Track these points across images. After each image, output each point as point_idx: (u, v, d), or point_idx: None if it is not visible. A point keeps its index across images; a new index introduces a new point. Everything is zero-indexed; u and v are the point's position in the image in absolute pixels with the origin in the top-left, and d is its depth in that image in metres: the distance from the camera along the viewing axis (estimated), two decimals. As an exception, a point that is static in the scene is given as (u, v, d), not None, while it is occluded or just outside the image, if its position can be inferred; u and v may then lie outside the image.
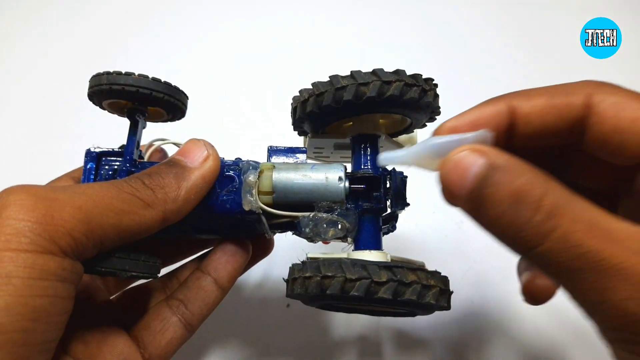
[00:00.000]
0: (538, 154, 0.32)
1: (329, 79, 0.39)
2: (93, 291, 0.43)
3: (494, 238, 0.27)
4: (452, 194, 0.28)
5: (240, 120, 0.73)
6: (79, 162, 0.44)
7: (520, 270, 0.39)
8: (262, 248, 0.47)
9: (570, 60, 0.65)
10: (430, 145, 0.28)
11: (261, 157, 0.42)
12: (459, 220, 0.62)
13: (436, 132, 0.32)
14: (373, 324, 0.58)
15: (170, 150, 0.49)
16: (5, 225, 0.27)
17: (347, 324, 0.58)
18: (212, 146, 0.38)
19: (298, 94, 0.41)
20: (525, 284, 0.38)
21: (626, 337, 0.25)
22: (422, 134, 0.48)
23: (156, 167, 0.36)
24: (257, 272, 0.60)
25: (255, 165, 0.39)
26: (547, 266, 0.25)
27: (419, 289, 0.34)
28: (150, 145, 0.46)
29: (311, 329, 0.57)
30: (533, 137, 0.32)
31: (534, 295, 0.38)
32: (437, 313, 0.45)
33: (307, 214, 0.38)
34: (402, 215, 0.44)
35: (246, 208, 0.38)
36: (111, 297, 0.45)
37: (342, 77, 0.38)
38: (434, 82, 0.40)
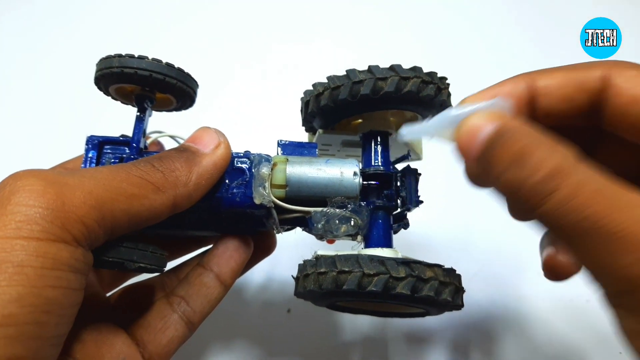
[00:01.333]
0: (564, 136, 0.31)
1: (345, 72, 0.39)
2: (89, 286, 0.42)
3: (504, 198, 0.28)
4: (463, 156, 0.29)
5: (243, 114, 0.73)
6: (71, 153, 0.43)
7: (543, 245, 0.40)
8: (265, 246, 0.47)
9: (570, 60, 0.65)
10: (449, 116, 0.30)
11: (268, 152, 0.42)
12: (467, 222, 0.63)
13: (459, 104, 0.32)
14: (378, 329, 0.58)
15: (169, 146, 0.49)
16: (16, 212, 0.26)
17: (351, 329, 0.58)
18: (223, 134, 0.38)
19: (311, 88, 0.42)
20: (546, 259, 0.38)
21: (630, 303, 0.25)
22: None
23: (166, 151, 0.36)
24: (257, 276, 0.60)
25: (267, 158, 0.39)
26: (552, 227, 0.26)
27: (437, 285, 0.35)
28: (147, 137, 0.45)
29: (313, 335, 0.57)
30: (554, 111, 0.33)
31: (555, 271, 0.38)
32: (446, 317, 0.47)
33: (319, 209, 0.39)
34: (410, 215, 0.44)
35: (257, 201, 0.38)
36: (108, 295, 0.43)
37: (360, 71, 0.39)
38: (447, 80, 0.41)
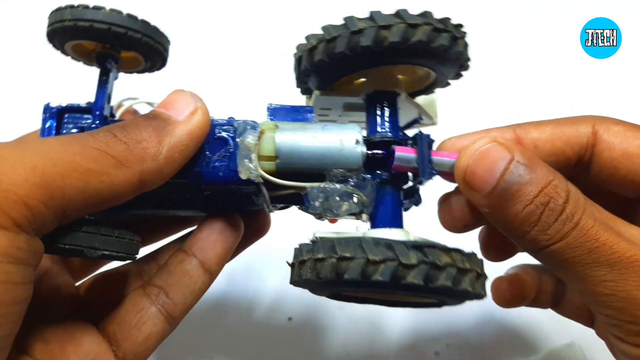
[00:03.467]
0: None
1: (343, 21, 0.35)
2: (52, 277, 0.39)
3: (504, 232, 0.32)
4: (474, 187, 0.31)
5: (229, 75, 0.69)
6: (32, 124, 0.40)
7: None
8: (257, 227, 0.43)
9: (570, 60, 0.70)
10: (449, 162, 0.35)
11: (257, 119, 0.38)
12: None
13: (439, 148, 0.37)
14: (384, 339, 0.57)
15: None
16: None
17: (355, 340, 0.57)
18: (200, 98, 0.34)
19: (304, 41, 0.38)
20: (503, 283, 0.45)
21: (636, 330, 0.30)
22: (443, 98, 0.45)
23: (131, 119, 0.32)
24: (256, 282, 0.59)
25: (254, 125, 0.35)
26: (560, 262, 0.30)
27: (454, 273, 0.31)
28: (120, 105, 0.42)
29: (315, 345, 0.56)
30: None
31: (507, 296, 0.45)
32: (454, 319, 0.44)
33: (316, 184, 0.35)
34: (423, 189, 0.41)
35: (243, 176, 0.34)
36: (77, 284, 0.40)
37: (359, 19, 0.35)
38: (463, 28, 0.37)
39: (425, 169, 0.35)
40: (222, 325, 0.56)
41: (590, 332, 0.44)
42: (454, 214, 0.40)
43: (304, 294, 0.57)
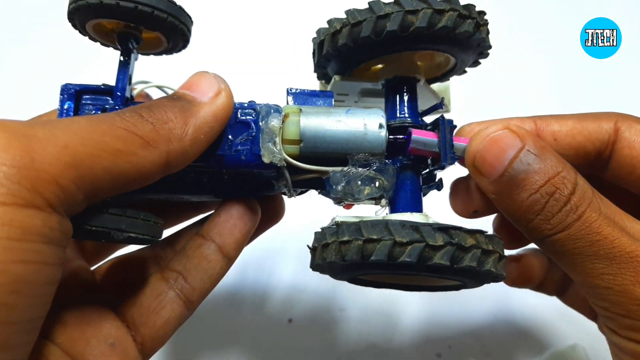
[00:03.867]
0: None
1: (368, 5, 0.35)
2: (68, 261, 0.39)
3: (510, 219, 0.33)
4: (482, 172, 0.32)
5: (245, 59, 0.69)
6: (49, 105, 0.39)
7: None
8: (272, 212, 0.44)
9: (570, 60, 0.71)
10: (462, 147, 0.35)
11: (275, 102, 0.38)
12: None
13: (458, 133, 0.38)
14: (386, 339, 0.57)
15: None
16: None
17: (356, 340, 0.57)
18: (224, 80, 0.34)
19: (326, 25, 0.38)
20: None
21: (629, 324, 0.30)
22: (457, 85, 0.46)
23: (156, 100, 0.32)
24: (255, 282, 0.59)
25: (277, 109, 0.35)
26: (561, 253, 0.31)
27: (479, 254, 0.32)
28: (132, 89, 0.41)
29: (316, 347, 0.56)
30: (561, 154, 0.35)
31: (514, 274, 0.47)
32: (456, 320, 0.45)
33: (339, 168, 0.35)
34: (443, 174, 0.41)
35: (266, 160, 0.34)
36: (92, 269, 0.40)
37: (385, 3, 0.35)
38: (485, 16, 0.37)
39: (448, 153, 0.36)
40: (221, 326, 0.57)
41: (594, 334, 0.45)
42: (464, 199, 0.41)
43: (304, 295, 0.58)
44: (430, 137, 0.36)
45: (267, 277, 0.59)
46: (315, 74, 0.43)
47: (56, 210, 0.25)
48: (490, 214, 0.44)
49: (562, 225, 0.30)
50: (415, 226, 0.32)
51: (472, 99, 0.45)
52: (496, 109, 0.38)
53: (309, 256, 0.37)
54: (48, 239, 0.25)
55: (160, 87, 0.42)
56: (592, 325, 0.45)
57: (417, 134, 0.36)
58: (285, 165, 0.35)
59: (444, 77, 0.43)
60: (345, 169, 0.35)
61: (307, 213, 0.49)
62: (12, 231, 0.23)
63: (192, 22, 0.37)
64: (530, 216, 0.31)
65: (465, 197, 0.41)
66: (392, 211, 0.38)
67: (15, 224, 0.23)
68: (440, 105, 0.39)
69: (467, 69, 0.42)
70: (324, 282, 0.38)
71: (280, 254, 0.45)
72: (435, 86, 0.45)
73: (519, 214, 0.32)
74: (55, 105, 0.35)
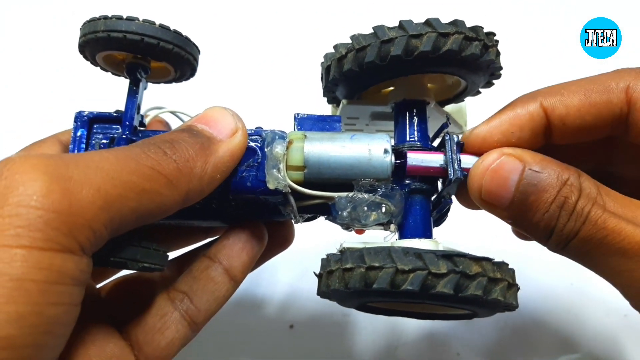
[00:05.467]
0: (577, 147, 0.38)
1: (372, 30, 0.37)
2: None
3: (529, 235, 0.34)
4: (492, 204, 0.34)
5: (253, 85, 0.72)
6: (60, 127, 0.43)
7: None
8: (281, 238, 0.45)
9: (570, 60, 0.72)
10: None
11: (283, 128, 0.40)
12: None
13: (465, 138, 0.38)
14: (391, 347, 0.57)
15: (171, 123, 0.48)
16: (14, 214, 0.25)
17: (360, 349, 0.57)
18: (240, 118, 0.37)
19: (332, 50, 0.40)
20: None
21: None
22: (473, 106, 0.47)
23: (176, 134, 0.34)
24: (256, 287, 0.60)
25: (282, 135, 0.37)
26: (581, 257, 0.33)
27: (485, 282, 0.33)
28: (145, 115, 0.44)
29: (318, 354, 0.57)
30: (571, 136, 0.36)
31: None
32: (463, 329, 0.45)
33: (344, 194, 0.37)
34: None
35: (271, 186, 0.36)
36: (98, 286, 0.43)
37: (389, 28, 0.37)
38: (495, 37, 0.39)
39: (455, 169, 0.37)
40: (220, 332, 0.57)
41: (601, 343, 0.45)
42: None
43: (306, 300, 0.59)
44: (430, 156, 0.38)
45: (267, 281, 0.60)
46: (325, 98, 0.45)
47: (86, 253, 0.27)
48: None
49: (574, 231, 0.32)
50: (418, 253, 0.33)
51: (470, 98, 0.47)
52: (495, 109, 0.38)
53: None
54: (78, 281, 0.27)
55: (173, 113, 0.45)
56: (604, 333, 0.45)
57: (412, 153, 0.38)
58: (290, 191, 0.37)
59: (457, 98, 0.45)
60: (350, 194, 0.37)
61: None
62: (49, 275, 0.25)
63: (199, 51, 0.40)
64: (547, 233, 0.33)
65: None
66: (401, 237, 0.39)
67: (53, 268, 0.25)
68: (446, 124, 0.40)
69: (481, 89, 0.44)
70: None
71: (280, 257, 0.46)
72: (450, 107, 0.47)
73: (537, 233, 0.33)
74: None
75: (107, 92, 0.48)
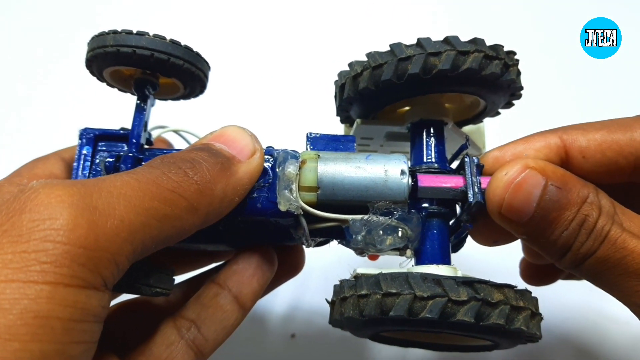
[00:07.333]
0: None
1: (389, 48, 0.38)
2: None
3: (542, 253, 0.35)
4: (511, 219, 0.34)
5: (264, 103, 0.73)
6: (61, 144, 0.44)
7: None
8: (291, 264, 0.46)
9: (570, 60, 0.75)
10: None
11: (293, 148, 0.41)
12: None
13: (481, 160, 0.39)
14: (398, 356, 0.57)
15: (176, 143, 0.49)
16: (40, 249, 0.25)
17: (366, 356, 0.57)
18: (258, 139, 0.38)
19: (347, 68, 0.41)
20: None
21: None
22: (492, 127, 0.48)
23: (195, 153, 0.34)
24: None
25: (295, 155, 0.38)
26: (595, 276, 0.33)
27: (507, 310, 0.33)
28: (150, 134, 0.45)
29: None
30: (591, 173, 0.37)
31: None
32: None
33: (359, 217, 0.37)
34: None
35: (283, 208, 0.37)
36: None
37: (407, 45, 0.38)
38: (515, 56, 0.40)
39: (475, 192, 0.37)
40: None
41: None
42: (483, 229, 0.43)
43: (308, 309, 0.59)
44: (442, 178, 0.38)
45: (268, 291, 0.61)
46: (339, 118, 0.46)
47: (108, 288, 0.28)
48: (512, 242, 0.46)
49: (592, 251, 0.32)
50: (437, 279, 0.34)
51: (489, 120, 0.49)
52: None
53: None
54: (100, 317, 0.28)
55: (176, 132, 0.46)
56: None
57: (423, 176, 0.39)
58: (302, 213, 0.37)
59: (476, 118, 0.46)
60: (365, 217, 0.37)
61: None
62: (74, 313, 0.26)
63: (209, 67, 0.41)
64: (564, 250, 0.33)
65: (484, 227, 0.43)
66: (418, 263, 0.39)
67: (78, 305, 0.26)
68: (465, 145, 0.41)
69: (500, 110, 0.45)
70: (327, 294, 0.39)
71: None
72: (468, 128, 0.48)
73: (553, 250, 0.34)
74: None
75: (110, 108, 0.49)
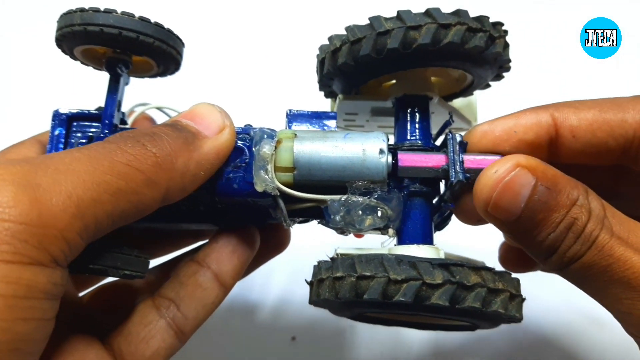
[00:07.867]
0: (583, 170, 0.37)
1: (368, 21, 0.37)
2: None
3: (526, 251, 0.35)
4: (498, 217, 0.33)
5: (246, 79, 0.72)
6: (42, 127, 0.44)
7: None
8: (275, 241, 0.46)
9: (570, 60, 0.75)
10: None
11: (277, 126, 0.40)
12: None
13: (467, 136, 0.38)
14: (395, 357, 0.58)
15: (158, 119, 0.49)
16: None
17: (366, 358, 0.58)
18: (229, 115, 0.37)
19: (327, 42, 0.40)
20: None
21: None
22: (484, 99, 0.47)
23: (158, 127, 0.34)
24: (257, 297, 0.61)
25: (271, 134, 0.38)
26: (580, 281, 0.33)
27: (484, 293, 0.33)
28: (131, 112, 0.45)
29: None
30: (580, 154, 0.37)
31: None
32: (475, 341, 0.44)
33: (337, 197, 0.37)
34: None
35: (259, 189, 0.37)
36: (80, 295, 0.44)
37: (386, 18, 0.37)
38: (503, 27, 0.39)
39: (457, 171, 0.37)
40: (220, 345, 0.58)
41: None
42: (466, 209, 0.42)
43: (309, 312, 0.59)
44: (424, 157, 0.38)
45: (268, 292, 0.61)
46: (322, 93, 0.46)
47: (59, 265, 0.28)
48: None
49: (578, 255, 0.32)
50: (412, 262, 0.33)
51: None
52: (495, 108, 0.39)
53: (311, 270, 0.39)
54: (51, 294, 0.28)
55: (160, 109, 0.46)
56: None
57: (406, 154, 0.38)
58: (279, 194, 0.37)
59: (465, 91, 0.45)
60: (344, 197, 0.37)
61: (313, 227, 0.51)
62: (17, 289, 0.26)
63: (183, 44, 0.40)
64: (550, 252, 0.33)
65: (467, 208, 0.42)
66: (400, 242, 0.39)
67: (21, 281, 0.26)
68: (449, 122, 0.40)
69: (490, 82, 0.44)
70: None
71: (284, 265, 0.47)
72: (459, 101, 0.47)
73: (538, 251, 0.33)
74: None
75: (91, 87, 0.49)
